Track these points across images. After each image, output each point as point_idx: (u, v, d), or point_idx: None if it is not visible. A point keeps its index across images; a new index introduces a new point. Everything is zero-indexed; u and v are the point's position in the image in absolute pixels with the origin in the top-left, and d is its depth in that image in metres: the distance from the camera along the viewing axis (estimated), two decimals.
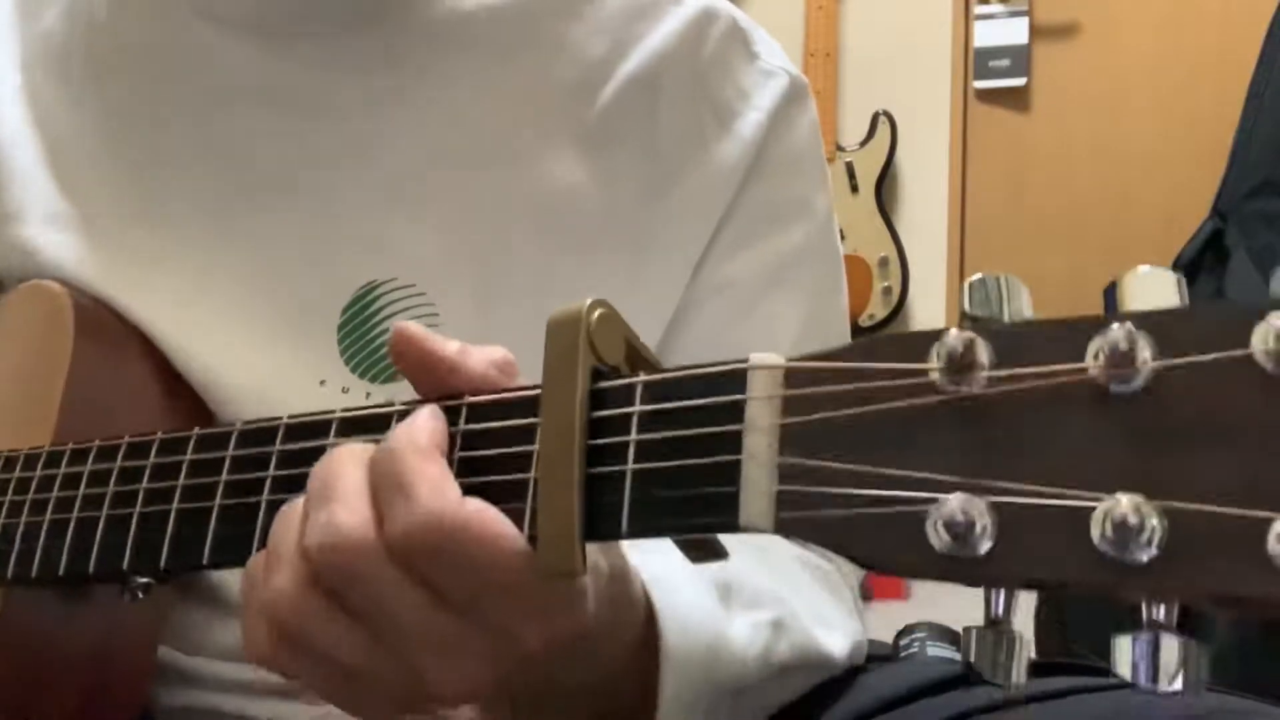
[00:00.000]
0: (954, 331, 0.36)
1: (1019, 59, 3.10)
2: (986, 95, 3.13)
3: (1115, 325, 0.34)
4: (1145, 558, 0.32)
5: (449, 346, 0.50)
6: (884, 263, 3.04)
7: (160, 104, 0.78)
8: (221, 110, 0.77)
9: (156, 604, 0.69)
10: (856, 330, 2.98)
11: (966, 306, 0.38)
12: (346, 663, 0.46)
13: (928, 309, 3.08)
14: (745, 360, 0.41)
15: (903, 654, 1.57)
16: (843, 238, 3.02)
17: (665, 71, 0.78)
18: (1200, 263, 2.33)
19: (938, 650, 1.83)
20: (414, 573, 0.45)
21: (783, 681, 0.66)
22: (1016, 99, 3.13)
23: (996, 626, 0.36)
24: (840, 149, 3.07)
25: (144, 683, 0.71)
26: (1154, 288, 0.36)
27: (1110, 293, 0.37)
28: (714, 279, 0.78)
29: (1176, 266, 2.36)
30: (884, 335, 0.39)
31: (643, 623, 0.55)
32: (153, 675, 0.72)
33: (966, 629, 0.36)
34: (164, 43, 0.78)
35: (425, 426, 0.48)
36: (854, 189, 3.05)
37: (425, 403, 0.49)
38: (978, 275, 0.39)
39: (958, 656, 0.38)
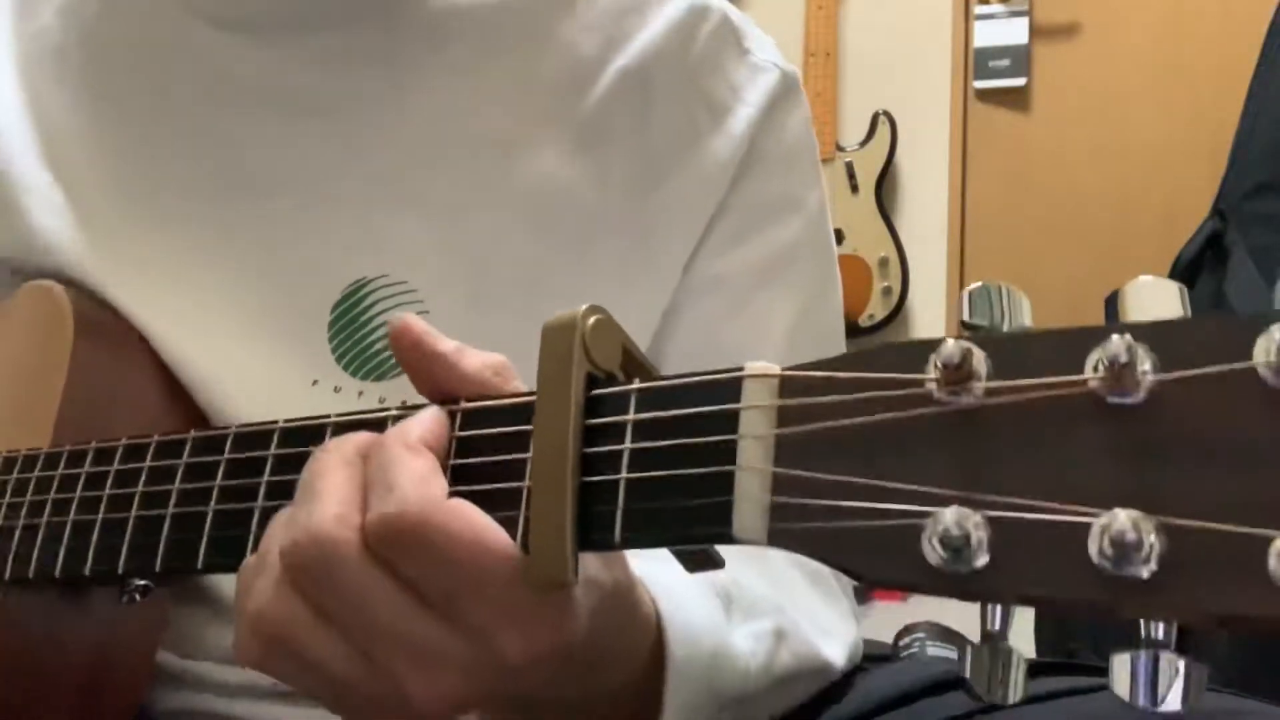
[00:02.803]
0: (951, 341, 0.36)
1: (1019, 59, 3.10)
2: (986, 95, 3.12)
3: (1115, 337, 0.33)
4: (1144, 574, 0.32)
5: (447, 343, 0.50)
6: (884, 263, 3.03)
7: (152, 101, 0.77)
8: (213, 107, 0.76)
9: (155, 608, 0.68)
10: (857, 331, 2.99)
11: (965, 315, 0.38)
12: (328, 670, 0.46)
13: (928, 309, 3.08)
14: (740, 369, 0.41)
15: (903, 654, 1.57)
16: (843, 238, 3.03)
17: (656, 67, 0.78)
18: (1200, 263, 2.32)
19: (938, 650, 1.83)
20: (390, 569, 0.44)
21: (784, 690, 0.67)
22: (1016, 99, 3.12)
23: (992, 643, 0.35)
24: (840, 149, 3.07)
25: (141, 686, 0.71)
26: (1156, 297, 0.35)
27: (1111, 302, 0.36)
28: (707, 275, 0.78)
29: (1176, 266, 2.36)
30: (880, 344, 0.38)
31: (653, 636, 0.54)
32: (150, 679, 0.71)
33: (963, 645, 0.35)
34: (155, 41, 0.78)
35: (419, 422, 0.48)
36: (854, 189, 3.05)
37: (423, 406, 0.49)
38: (977, 284, 0.38)
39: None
